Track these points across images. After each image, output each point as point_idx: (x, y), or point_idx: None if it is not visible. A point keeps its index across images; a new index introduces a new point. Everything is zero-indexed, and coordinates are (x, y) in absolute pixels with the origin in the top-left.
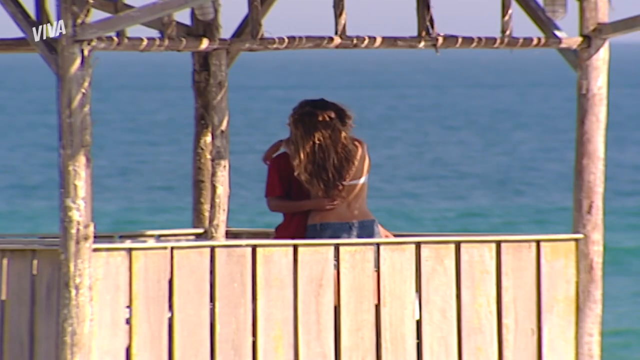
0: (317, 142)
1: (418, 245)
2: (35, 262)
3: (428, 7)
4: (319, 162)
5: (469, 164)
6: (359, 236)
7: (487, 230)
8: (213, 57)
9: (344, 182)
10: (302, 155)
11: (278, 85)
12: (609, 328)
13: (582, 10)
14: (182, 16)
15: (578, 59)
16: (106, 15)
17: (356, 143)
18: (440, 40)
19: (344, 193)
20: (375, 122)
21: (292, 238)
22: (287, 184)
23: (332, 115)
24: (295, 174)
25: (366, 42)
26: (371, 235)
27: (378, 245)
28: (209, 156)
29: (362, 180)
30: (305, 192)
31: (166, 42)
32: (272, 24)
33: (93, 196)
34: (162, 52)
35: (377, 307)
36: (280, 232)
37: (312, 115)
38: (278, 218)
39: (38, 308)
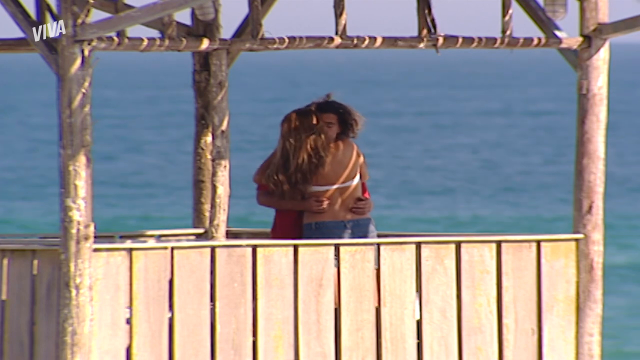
0: (287, 145)
1: (418, 245)
2: (35, 262)
3: (429, 8)
4: (283, 166)
5: None
6: (353, 235)
7: None
8: (213, 57)
9: (335, 186)
10: (277, 157)
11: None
12: None
13: (582, 10)
14: (183, 16)
15: (578, 59)
16: (106, 15)
17: (342, 145)
18: (441, 40)
19: (337, 194)
20: None
21: (284, 237)
22: None
23: (313, 120)
24: (265, 178)
25: (366, 42)
26: (366, 234)
27: (378, 245)
28: (209, 156)
29: (355, 181)
30: (298, 192)
31: (166, 42)
32: (272, 24)
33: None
34: (162, 52)
35: (377, 307)
36: (273, 232)
37: (288, 121)
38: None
39: (38, 308)
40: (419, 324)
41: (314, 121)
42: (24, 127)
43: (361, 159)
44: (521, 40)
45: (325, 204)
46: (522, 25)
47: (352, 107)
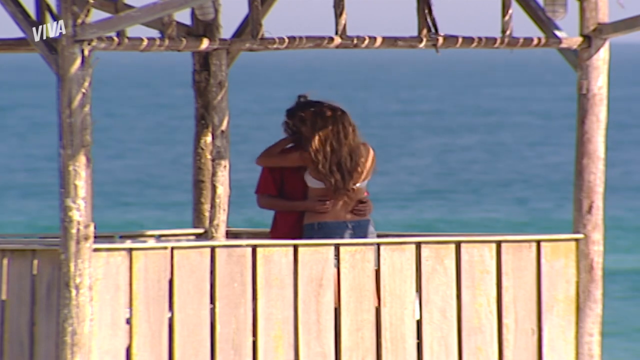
0: (334, 138)
1: (418, 245)
2: (35, 262)
3: (430, 8)
4: (334, 160)
5: None
6: (355, 235)
7: None
8: (213, 57)
9: (351, 185)
10: (326, 150)
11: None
12: None
13: (582, 10)
14: (182, 16)
15: (578, 59)
16: (106, 15)
17: (365, 147)
18: (441, 40)
19: (350, 195)
20: None
21: (285, 237)
22: (280, 184)
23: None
24: (320, 167)
25: (366, 42)
26: (366, 235)
27: (378, 245)
28: (209, 156)
29: (359, 184)
30: (297, 193)
31: (166, 42)
32: (272, 24)
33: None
34: (162, 52)
35: (377, 307)
36: (273, 232)
37: (324, 112)
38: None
39: (38, 308)
40: (419, 324)
41: (330, 114)
42: None
43: (371, 154)
44: (521, 40)
45: (329, 204)
46: (522, 25)
47: (335, 102)
